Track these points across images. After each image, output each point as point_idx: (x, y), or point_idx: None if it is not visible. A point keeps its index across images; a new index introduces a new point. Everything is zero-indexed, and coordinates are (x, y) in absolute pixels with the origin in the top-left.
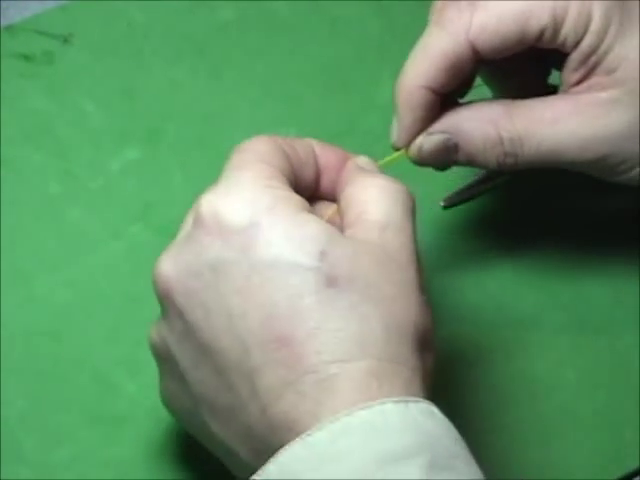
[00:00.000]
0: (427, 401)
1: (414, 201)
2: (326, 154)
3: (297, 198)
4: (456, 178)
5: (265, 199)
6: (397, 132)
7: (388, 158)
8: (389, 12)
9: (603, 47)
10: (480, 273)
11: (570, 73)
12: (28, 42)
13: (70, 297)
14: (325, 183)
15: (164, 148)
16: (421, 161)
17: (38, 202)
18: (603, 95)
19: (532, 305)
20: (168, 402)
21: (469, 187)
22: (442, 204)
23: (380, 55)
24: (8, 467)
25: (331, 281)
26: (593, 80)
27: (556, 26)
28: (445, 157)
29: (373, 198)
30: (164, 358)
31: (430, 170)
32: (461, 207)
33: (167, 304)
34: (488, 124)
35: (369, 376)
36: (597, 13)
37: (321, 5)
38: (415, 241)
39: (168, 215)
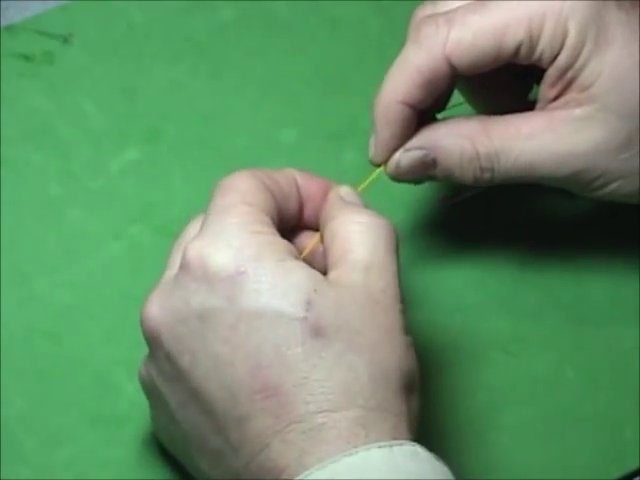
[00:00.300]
0: (411, 442)
1: (397, 235)
2: (308, 184)
3: (282, 243)
4: None
5: (251, 246)
6: (374, 148)
7: (367, 179)
8: (389, 12)
9: (579, 62)
10: (480, 273)
11: (547, 89)
12: (28, 42)
13: (70, 297)
14: (308, 213)
15: (164, 148)
16: (398, 177)
17: (38, 202)
18: (577, 111)
19: (532, 304)
20: (159, 433)
21: (469, 187)
22: (442, 204)
23: (380, 55)
24: (8, 467)
25: (317, 331)
26: (569, 96)
27: (532, 41)
28: (422, 172)
29: (356, 237)
30: (154, 395)
31: None
32: (461, 207)
33: (155, 346)
34: (465, 139)
35: (356, 425)
36: (573, 28)
37: (321, 5)
38: (399, 279)
39: (168, 215)
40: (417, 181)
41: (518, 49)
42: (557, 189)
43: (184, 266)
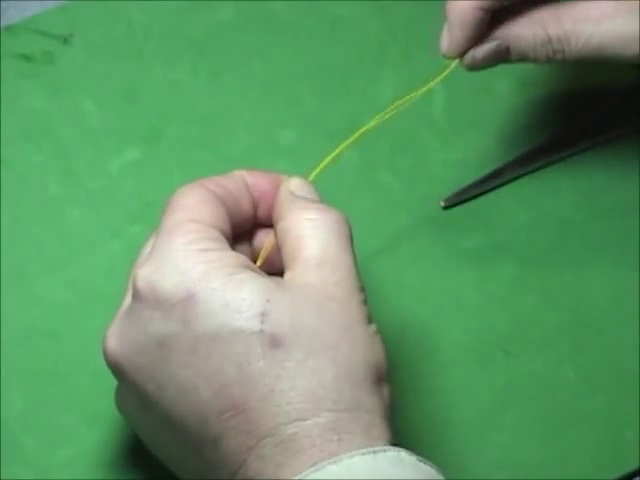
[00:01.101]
0: (395, 448)
1: (349, 227)
2: (259, 182)
3: (231, 256)
4: (456, 178)
5: (198, 267)
6: (448, 44)
7: (442, 73)
8: (389, 12)
9: None
10: (480, 273)
11: None
12: (28, 42)
13: (70, 297)
14: (262, 211)
15: (164, 148)
16: (474, 68)
17: (38, 202)
18: None
19: (532, 304)
20: (147, 445)
21: (469, 187)
22: (442, 204)
23: (380, 55)
24: (8, 467)
25: (275, 342)
26: None
27: None
28: (497, 60)
29: (307, 233)
30: (129, 421)
31: (430, 170)
32: (461, 207)
33: (120, 377)
34: (537, 25)
35: (327, 431)
36: None
37: (321, 5)
38: (356, 270)
39: None
40: (491, 66)
41: None
42: (557, 189)
43: (135, 295)
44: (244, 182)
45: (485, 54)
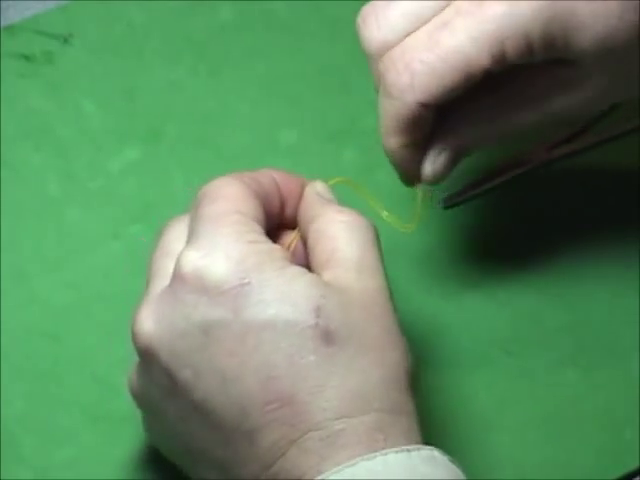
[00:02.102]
0: (428, 447)
1: (377, 233)
2: (287, 183)
3: (279, 250)
4: (456, 178)
5: (251, 257)
6: (404, 180)
7: (416, 207)
8: None
9: None
10: (480, 273)
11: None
12: (28, 42)
13: (70, 297)
14: (288, 212)
15: (164, 148)
16: (438, 180)
17: (38, 202)
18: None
19: (532, 304)
20: (153, 442)
21: (469, 187)
22: (442, 204)
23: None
24: (8, 467)
25: (329, 337)
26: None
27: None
28: (457, 162)
29: (343, 235)
30: (148, 408)
31: None
32: (461, 207)
33: (150, 360)
34: (487, 124)
35: (374, 430)
36: None
37: (321, 5)
38: (387, 279)
39: (168, 215)
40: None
41: (493, 61)
42: (557, 189)
43: (179, 278)
44: (274, 180)
45: (444, 165)
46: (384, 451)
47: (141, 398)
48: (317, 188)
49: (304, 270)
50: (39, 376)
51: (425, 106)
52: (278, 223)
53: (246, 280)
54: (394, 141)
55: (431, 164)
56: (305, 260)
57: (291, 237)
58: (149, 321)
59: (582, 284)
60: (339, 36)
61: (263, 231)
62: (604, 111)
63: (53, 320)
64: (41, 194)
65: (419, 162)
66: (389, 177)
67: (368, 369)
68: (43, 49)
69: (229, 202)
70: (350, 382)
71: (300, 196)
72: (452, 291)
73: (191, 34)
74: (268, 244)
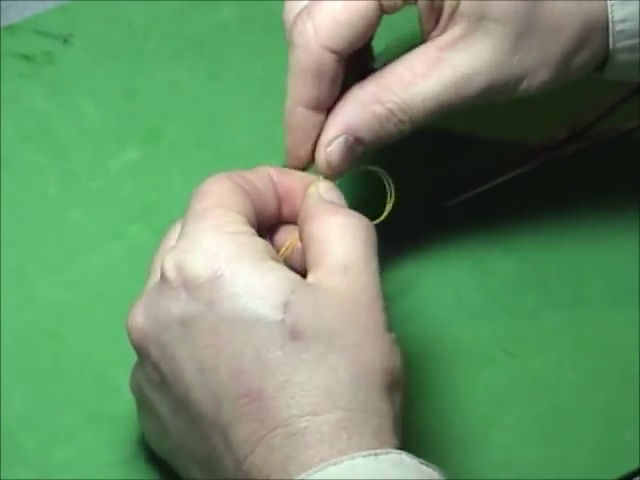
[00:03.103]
0: (396, 450)
1: (375, 235)
2: (284, 180)
3: (260, 242)
4: (456, 177)
5: (227, 248)
6: (292, 155)
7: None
8: None
9: None
10: (480, 273)
11: (424, 20)
12: (28, 42)
13: (70, 297)
14: (287, 209)
15: (164, 149)
16: (335, 171)
17: (38, 203)
18: (457, 32)
19: (532, 305)
20: (150, 440)
21: (469, 187)
22: (442, 204)
23: (380, 55)
24: (8, 467)
25: (296, 333)
26: (442, 22)
27: None
28: (354, 155)
29: (334, 237)
30: (144, 404)
31: (431, 170)
32: (461, 207)
33: (143, 354)
34: (373, 104)
35: (338, 429)
36: None
37: None
38: (379, 278)
39: (168, 215)
40: (353, 167)
41: (381, 3)
42: (557, 189)
43: (163, 275)
44: (270, 178)
45: (339, 153)
46: (351, 455)
47: (139, 394)
48: (319, 187)
49: (280, 266)
50: (39, 375)
51: (329, 52)
52: (276, 221)
53: (219, 272)
54: (299, 102)
55: (324, 147)
56: (304, 261)
57: (288, 233)
58: (140, 316)
59: (582, 284)
60: None
61: (249, 224)
62: (605, 111)
63: (53, 320)
64: (41, 194)
65: (314, 136)
66: (390, 177)
67: (338, 367)
68: (43, 49)
69: (213, 198)
70: (316, 379)
71: (301, 193)
72: (452, 291)
73: (191, 34)
74: (249, 236)
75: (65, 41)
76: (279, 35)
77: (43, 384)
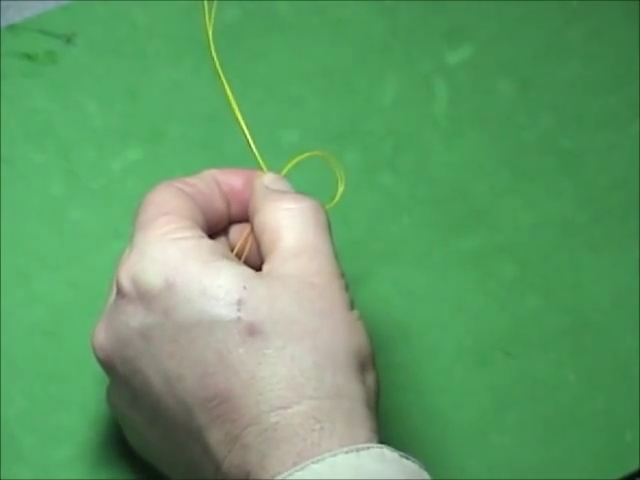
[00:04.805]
0: (378, 445)
1: (326, 214)
2: (229, 179)
3: (207, 244)
4: (457, 179)
5: (174, 256)
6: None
7: None
8: (392, 13)
9: None
10: (481, 274)
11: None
12: (30, 42)
13: (71, 297)
14: (236, 208)
15: (166, 148)
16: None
17: (39, 202)
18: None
19: (533, 306)
20: (136, 449)
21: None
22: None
23: (383, 56)
24: (8, 467)
25: (254, 329)
26: None
27: None
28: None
29: (283, 224)
30: (121, 418)
31: (432, 171)
32: (462, 208)
33: (111, 373)
34: None
35: (309, 419)
36: None
37: (324, 6)
38: (334, 257)
39: None
40: None
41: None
42: (557, 189)
43: (119, 290)
44: (214, 180)
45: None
46: (333, 452)
47: (115, 411)
48: (265, 180)
49: (229, 264)
50: (39, 375)
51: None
52: (227, 221)
53: (171, 280)
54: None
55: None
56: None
57: (240, 231)
58: (101, 335)
59: (583, 286)
60: (342, 37)
61: (196, 227)
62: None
63: (54, 319)
64: (43, 193)
65: None
66: (391, 178)
67: (299, 356)
68: (46, 49)
69: (156, 207)
70: (280, 372)
71: (247, 189)
72: (453, 292)
73: (193, 35)
74: (196, 240)
75: (68, 41)
76: (282, 36)
77: (43, 384)
